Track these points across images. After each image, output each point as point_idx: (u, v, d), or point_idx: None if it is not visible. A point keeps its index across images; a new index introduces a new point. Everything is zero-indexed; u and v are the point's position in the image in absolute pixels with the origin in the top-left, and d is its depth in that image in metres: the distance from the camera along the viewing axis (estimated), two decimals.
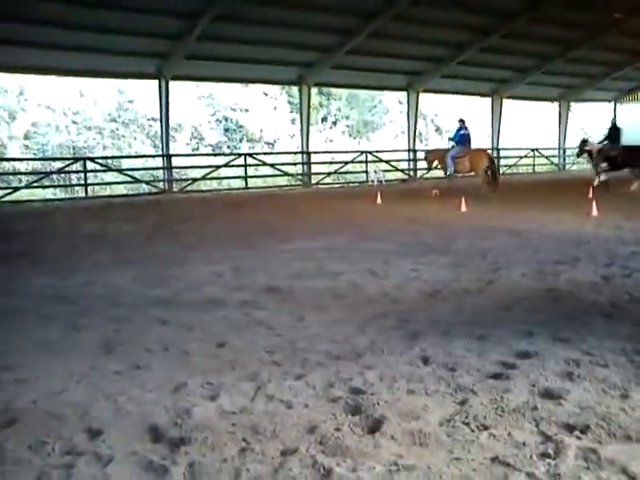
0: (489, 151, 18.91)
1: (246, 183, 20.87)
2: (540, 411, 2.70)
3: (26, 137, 25.40)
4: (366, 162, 22.99)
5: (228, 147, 29.72)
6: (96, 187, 20.36)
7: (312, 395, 2.96)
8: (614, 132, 16.36)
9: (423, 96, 24.40)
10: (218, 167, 20.94)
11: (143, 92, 24.93)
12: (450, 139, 16.57)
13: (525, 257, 6.65)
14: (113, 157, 23.55)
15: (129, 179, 19.70)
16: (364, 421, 2.67)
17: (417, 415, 2.70)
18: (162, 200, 16.72)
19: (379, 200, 13.81)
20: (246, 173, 21.14)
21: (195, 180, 20.51)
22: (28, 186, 18.19)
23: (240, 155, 22.02)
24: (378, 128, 34.02)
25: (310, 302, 4.85)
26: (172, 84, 19.69)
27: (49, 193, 20.53)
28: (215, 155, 25.98)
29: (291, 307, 4.69)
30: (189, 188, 19.66)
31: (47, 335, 4.07)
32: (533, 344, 3.63)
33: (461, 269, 6.08)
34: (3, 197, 16.80)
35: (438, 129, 34.92)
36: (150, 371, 3.34)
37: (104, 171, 20.00)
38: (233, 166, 21.46)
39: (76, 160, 19.65)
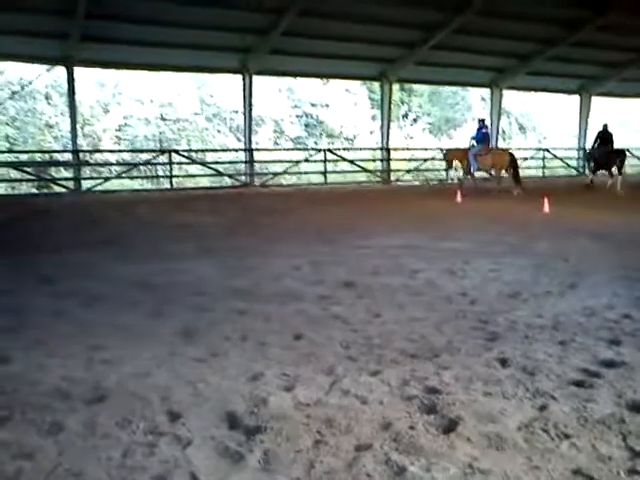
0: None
1: (325, 178, 20.98)
2: (628, 425, 2.58)
3: (118, 129, 26.53)
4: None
5: (310, 142, 29.94)
6: (181, 179, 21.01)
7: (387, 392, 2.95)
8: (605, 135, 17.10)
9: (507, 93, 23.77)
10: (298, 162, 21.15)
11: (226, 86, 25.49)
12: (472, 138, 16.78)
13: (610, 261, 6.36)
14: (197, 150, 24.23)
15: (212, 172, 20.22)
16: (439, 421, 2.63)
17: (494, 418, 2.64)
18: (244, 193, 17.07)
19: (459, 198, 13.57)
20: (325, 168, 21.24)
21: (276, 174, 20.79)
22: (118, 176, 18.96)
23: (320, 150, 22.13)
24: (460, 125, 33.36)
25: (387, 299, 4.83)
26: (255, 78, 20.03)
27: (136, 184, 21.39)
28: (296, 149, 26.23)
29: (368, 303, 4.69)
30: (270, 182, 19.95)
31: (132, 320, 4.24)
32: (620, 353, 3.47)
33: (542, 271, 5.89)
34: (95, 186, 17.67)
35: (522, 127, 33.91)
36: (228, 359, 3.42)
37: (189, 164, 20.62)
38: (313, 161, 21.61)
39: (162, 152, 20.36)
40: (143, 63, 18.91)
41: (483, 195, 14.83)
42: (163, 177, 20.77)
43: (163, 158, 19.86)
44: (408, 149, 26.28)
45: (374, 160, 23.24)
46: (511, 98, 27.64)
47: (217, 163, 20.76)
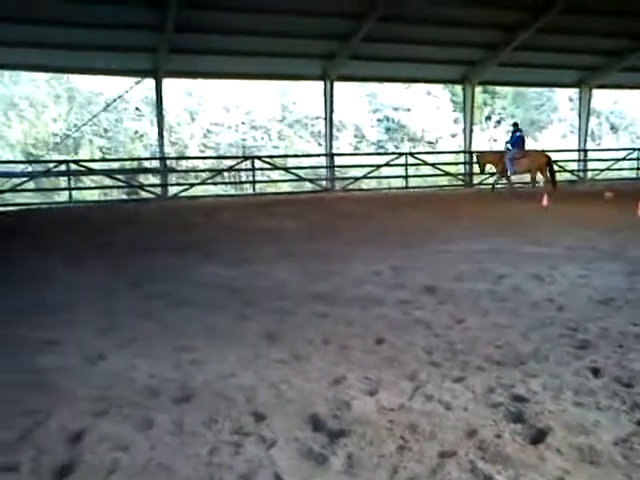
0: None
1: (406, 182, 20.83)
2: None
3: (204, 136, 27.38)
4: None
5: (390, 146, 29.82)
6: (263, 184, 21.40)
7: (471, 399, 2.88)
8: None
9: (597, 92, 22.79)
10: (379, 166, 21.09)
11: (307, 92, 25.78)
12: (507, 142, 17.23)
13: None
14: (279, 156, 24.62)
15: (294, 177, 20.49)
16: (527, 430, 2.55)
17: (587, 430, 2.53)
18: (324, 198, 17.19)
19: (545, 202, 13.13)
20: (407, 172, 21.08)
21: (357, 179, 20.82)
22: (202, 182, 19.52)
23: (401, 154, 21.99)
24: (545, 127, 32.31)
25: (470, 304, 4.73)
26: (336, 84, 20.16)
27: (220, 189, 21.97)
28: (377, 154, 26.16)
29: (450, 308, 4.61)
30: (350, 186, 20.01)
31: (217, 322, 4.35)
32: None
33: (636, 277, 5.60)
34: (181, 192, 18.28)
35: (614, 127, 32.43)
36: (311, 362, 3.45)
37: (271, 169, 20.97)
38: (394, 165, 21.49)
39: (246, 159, 20.81)
40: (228, 72, 19.46)
41: (567, 198, 14.32)
42: (246, 183, 21.22)
43: (246, 164, 20.30)
44: (492, 152, 25.69)
45: (457, 163, 22.84)
46: (601, 97, 26.48)
47: (298, 168, 21.01)
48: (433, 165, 21.75)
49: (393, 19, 17.16)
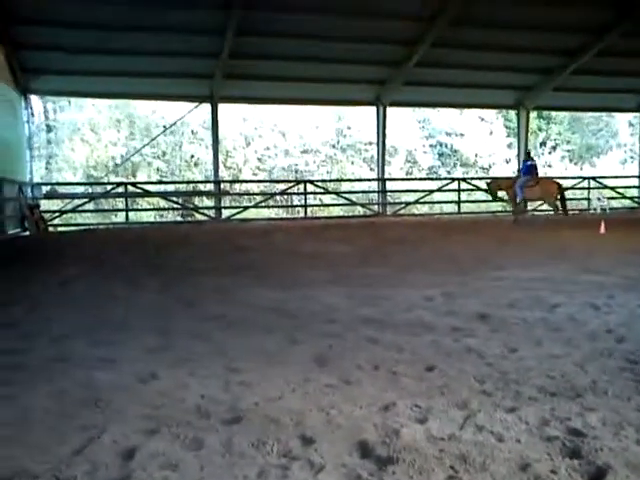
0: None
1: (459, 208, 20.64)
2: None
3: (258, 160, 27.84)
4: (588, 189, 21.50)
5: (442, 172, 29.65)
6: (314, 208, 21.55)
7: (525, 430, 2.80)
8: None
9: None
10: (431, 191, 20.98)
11: (361, 117, 25.93)
12: (519, 170, 17.75)
13: None
14: (331, 180, 24.80)
15: (345, 201, 20.56)
16: (584, 467, 2.45)
17: None
18: (375, 222, 17.16)
19: (602, 229, 12.77)
20: (459, 198, 20.90)
21: (408, 204, 20.75)
22: (255, 205, 19.80)
23: (454, 180, 21.84)
24: (603, 153, 31.54)
25: (524, 333, 4.62)
26: (389, 109, 20.24)
27: (273, 212, 22.22)
28: (429, 179, 26.04)
29: (503, 337, 4.51)
30: (402, 211, 19.95)
31: (267, 344, 4.37)
32: None
33: None
34: (234, 215, 18.58)
35: None
36: (360, 387, 3.42)
37: (322, 193, 21.12)
38: (446, 190, 21.35)
39: (298, 182, 21.02)
40: (282, 97, 19.80)
41: (625, 226, 13.90)
42: (298, 206, 21.42)
43: (298, 188, 20.50)
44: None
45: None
46: None
47: (350, 193, 21.11)
48: (486, 191, 21.50)
49: (446, 45, 17.19)
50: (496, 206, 21.26)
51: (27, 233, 15.92)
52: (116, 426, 2.87)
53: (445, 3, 15.90)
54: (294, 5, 15.44)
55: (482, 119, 30.03)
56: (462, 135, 30.24)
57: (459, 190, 21.02)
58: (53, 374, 3.68)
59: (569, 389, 3.35)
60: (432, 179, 26.06)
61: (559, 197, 16.47)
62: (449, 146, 30.46)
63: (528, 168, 16.73)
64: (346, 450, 2.63)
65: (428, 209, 21.32)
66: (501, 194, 17.46)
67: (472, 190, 21.76)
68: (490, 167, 30.31)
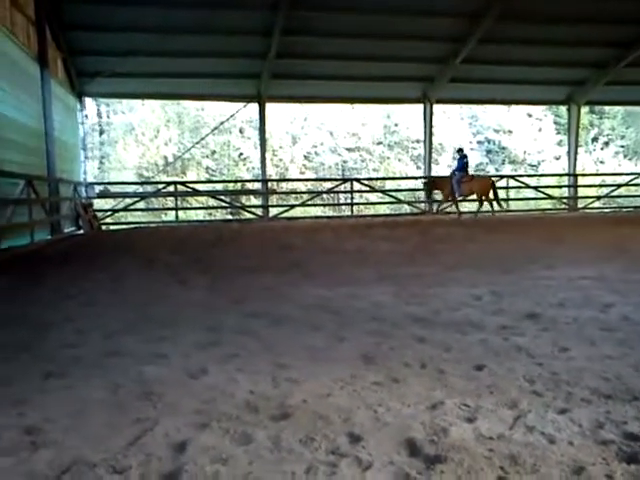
0: None
1: (507, 205, 20.31)
2: None
3: (305, 158, 27.99)
4: None
5: (491, 169, 29.20)
6: (361, 206, 21.52)
7: (578, 433, 2.74)
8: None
9: None
10: None
11: (408, 115, 25.77)
12: (454, 168, 18.12)
13: None
14: (377, 178, 24.73)
15: (392, 199, 20.48)
16: None
17: None
18: (422, 221, 17.03)
19: None
20: (508, 195, 20.56)
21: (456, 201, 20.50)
22: (302, 204, 19.91)
23: (502, 177, 21.50)
24: None
25: (575, 333, 4.52)
26: (436, 107, 20.08)
27: (319, 210, 22.29)
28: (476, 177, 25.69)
29: (553, 336, 4.43)
30: (448, 209, 19.75)
31: (314, 342, 4.39)
32: None
33: None
34: (281, 213, 18.72)
35: None
36: (407, 386, 3.41)
37: (369, 192, 21.08)
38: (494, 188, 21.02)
39: (344, 181, 21.04)
40: (329, 96, 19.86)
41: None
42: (344, 204, 21.43)
43: (345, 186, 20.52)
44: (598, 174, 24.62)
45: (560, 187, 22.03)
46: None
47: (396, 191, 21.02)
48: (535, 188, 21.10)
49: (493, 40, 16.94)
50: (546, 204, 20.85)
51: (81, 231, 16.40)
52: (168, 419, 2.93)
53: None
54: (340, 4, 15.47)
55: (530, 115, 29.47)
56: (510, 132, 29.75)
57: (507, 187, 20.67)
58: (107, 368, 3.78)
59: (625, 392, 3.26)
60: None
61: (492, 193, 17.51)
62: (497, 143, 30.01)
63: (463, 165, 17.35)
64: (394, 448, 2.62)
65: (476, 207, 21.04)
66: (435, 191, 18.24)
67: (520, 187, 21.38)
68: (539, 164, 29.73)
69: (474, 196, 17.97)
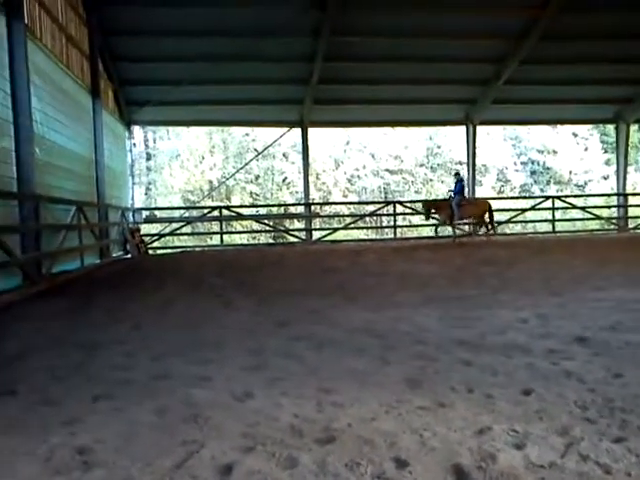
0: None
1: (553, 227, 19.96)
2: None
3: (348, 181, 28.12)
4: None
5: (536, 190, 28.76)
6: (404, 229, 21.43)
7: (635, 463, 2.64)
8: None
9: None
10: (524, 210, 20.43)
11: (451, 136, 25.68)
12: (451, 191, 17.87)
13: None
14: (420, 201, 24.62)
15: (436, 222, 20.34)
16: None
17: None
18: (466, 243, 16.86)
19: None
20: (554, 216, 20.20)
21: (500, 223, 20.27)
22: (345, 227, 19.97)
23: (548, 198, 21.15)
24: None
25: (629, 358, 4.38)
26: (479, 128, 19.98)
27: (362, 233, 22.28)
28: (521, 198, 25.37)
29: (605, 361, 4.30)
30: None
31: (359, 365, 4.37)
32: None
33: None
34: (324, 237, 18.79)
35: None
36: (454, 410, 3.36)
37: (412, 214, 20.99)
38: (540, 209, 20.70)
39: (387, 203, 21.01)
40: (371, 120, 19.98)
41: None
42: (387, 227, 21.39)
43: (388, 209, 20.51)
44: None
45: (609, 207, 21.53)
46: None
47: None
48: (582, 209, 20.67)
49: (536, 61, 16.82)
50: (593, 224, 20.39)
51: (129, 255, 16.77)
52: (214, 442, 2.96)
53: (536, 18, 15.56)
54: (381, 29, 15.60)
55: (575, 135, 28.99)
56: (555, 152, 29.30)
57: (553, 208, 20.31)
58: (155, 390, 3.84)
59: None
60: (524, 197, 25.37)
61: (489, 216, 17.49)
62: (542, 163, 29.57)
63: (461, 188, 17.30)
64: (441, 474, 2.59)
65: (521, 228, 20.74)
66: (433, 212, 17.90)
67: (567, 208, 20.98)
68: (586, 184, 29.15)
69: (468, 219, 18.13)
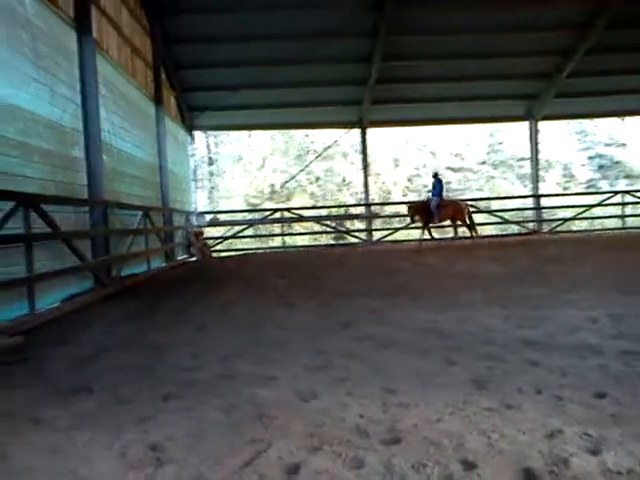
0: None
1: (623, 222, 19.23)
2: None
3: (408, 181, 27.92)
4: None
5: (604, 184, 27.79)
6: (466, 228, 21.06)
7: None
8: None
9: None
10: (591, 206, 19.76)
11: (513, 132, 25.13)
12: (429, 192, 17.10)
13: None
14: (482, 199, 24.15)
15: (498, 220, 19.96)
16: None
17: None
18: (531, 241, 16.46)
19: None
20: (623, 212, 19.47)
21: (565, 220, 19.71)
22: (406, 227, 19.79)
23: (617, 193, 20.41)
24: None
25: None
26: (541, 123, 19.48)
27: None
28: (588, 194, 24.55)
29: None
30: (559, 228, 18.98)
31: (423, 366, 4.33)
32: None
33: None
34: (385, 237, 18.70)
35: None
36: (522, 412, 3.29)
37: (474, 212, 20.62)
38: (608, 205, 20.00)
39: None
40: (431, 118, 19.77)
41: None
42: (449, 226, 21.10)
43: None
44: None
45: None
46: None
47: (503, 211, 20.45)
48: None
49: (602, 51, 16.25)
50: None
51: (193, 258, 17.15)
52: (281, 442, 3.00)
53: (602, 7, 15.04)
54: (439, 27, 15.43)
55: None
56: (624, 145, 28.21)
57: (623, 203, 19.57)
58: (221, 390, 3.92)
59: None
60: (591, 193, 24.52)
61: (468, 217, 16.79)
62: (610, 157, 28.52)
63: (440, 189, 16.49)
64: (510, 477, 2.54)
65: (588, 225, 20.07)
66: (417, 218, 16.97)
67: (638, 203, 20.18)
68: None
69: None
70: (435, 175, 17.18)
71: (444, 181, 17.56)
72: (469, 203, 17.92)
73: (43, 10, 8.60)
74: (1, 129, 7.16)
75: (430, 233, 17.23)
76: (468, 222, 16.90)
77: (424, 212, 16.62)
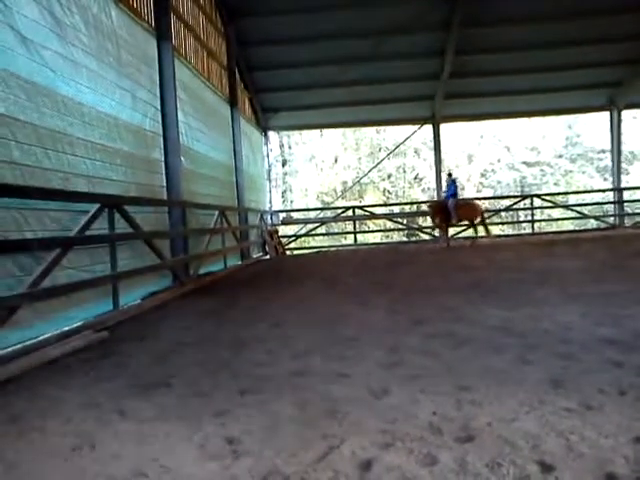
0: None
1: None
2: None
3: (482, 176, 27.37)
4: None
5: None
6: (542, 223, 20.50)
7: None
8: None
9: None
10: None
11: (591, 124, 24.20)
12: (445, 192, 16.86)
13: None
14: (559, 193, 23.39)
15: (576, 215, 19.28)
16: None
17: None
18: (611, 236, 15.81)
19: None
20: None
21: None
22: (480, 223, 19.42)
23: None
24: None
25: None
26: (624, 113, 18.64)
27: (497, 229, 21.58)
28: None
29: None
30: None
31: (497, 364, 4.26)
32: None
33: None
34: (458, 233, 18.42)
35: None
36: (604, 414, 3.18)
37: (551, 207, 20.02)
38: None
39: (524, 197, 20.20)
40: (505, 112, 19.32)
41: None
42: (525, 222, 20.57)
43: (525, 203, 19.73)
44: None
45: None
46: None
47: (581, 205, 19.73)
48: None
49: None
50: None
51: (268, 256, 17.44)
52: (354, 437, 3.03)
53: None
54: (512, 17, 15.04)
55: None
56: None
57: None
58: (295, 386, 3.99)
59: None
60: None
61: (481, 217, 16.63)
62: None
63: (455, 189, 16.16)
64: None
65: None
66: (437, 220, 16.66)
67: None
68: None
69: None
70: (449, 175, 16.99)
71: (457, 180, 17.46)
72: (484, 203, 17.86)
73: (127, 21, 9.02)
74: (88, 134, 7.52)
75: (447, 233, 17.13)
76: (481, 222, 16.80)
77: (442, 212, 16.43)
